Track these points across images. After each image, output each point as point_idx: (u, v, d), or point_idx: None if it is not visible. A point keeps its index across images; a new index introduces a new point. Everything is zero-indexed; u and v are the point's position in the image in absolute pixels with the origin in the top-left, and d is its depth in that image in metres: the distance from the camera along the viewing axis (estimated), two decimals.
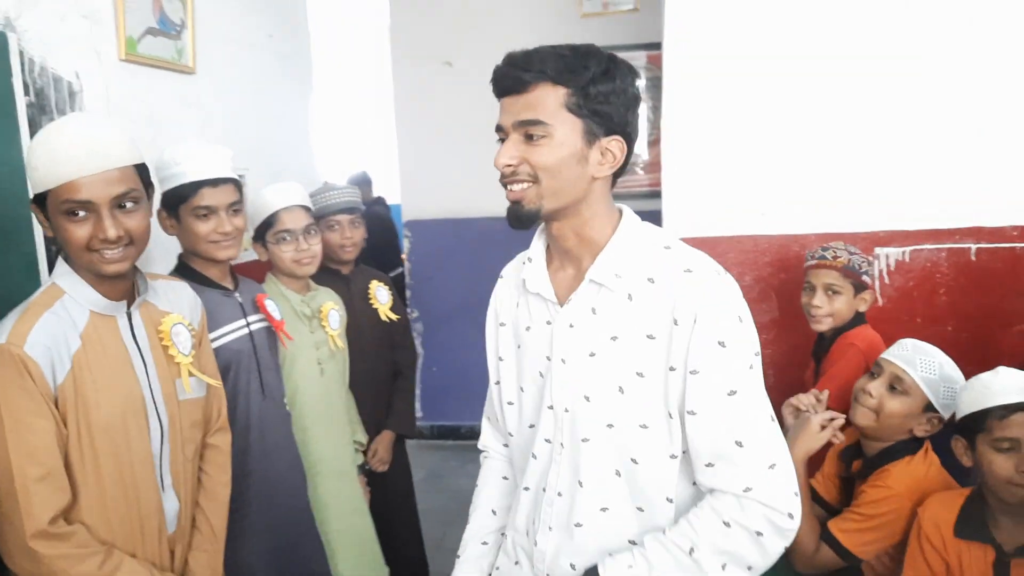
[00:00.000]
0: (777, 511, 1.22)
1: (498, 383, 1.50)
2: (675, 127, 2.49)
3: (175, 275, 1.93)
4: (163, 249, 2.04)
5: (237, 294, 2.03)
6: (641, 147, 4.43)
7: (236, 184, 1.97)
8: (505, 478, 1.55)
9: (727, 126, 2.45)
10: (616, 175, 1.33)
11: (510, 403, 1.46)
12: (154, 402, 1.58)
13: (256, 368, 2.02)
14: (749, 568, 1.25)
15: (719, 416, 1.23)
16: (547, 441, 1.38)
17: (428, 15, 4.56)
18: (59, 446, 1.43)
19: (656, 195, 2.68)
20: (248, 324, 2.02)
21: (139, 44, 2.27)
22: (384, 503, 2.67)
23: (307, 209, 2.33)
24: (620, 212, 1.36)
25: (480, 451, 1.62)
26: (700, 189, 2.50)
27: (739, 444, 1.23)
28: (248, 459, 1.96)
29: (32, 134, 1.80)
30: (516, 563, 1.45)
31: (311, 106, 3.51)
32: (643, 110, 4.05)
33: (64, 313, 1.47)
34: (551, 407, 1.36)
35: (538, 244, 1.42)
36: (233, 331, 1.98)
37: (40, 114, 1.89)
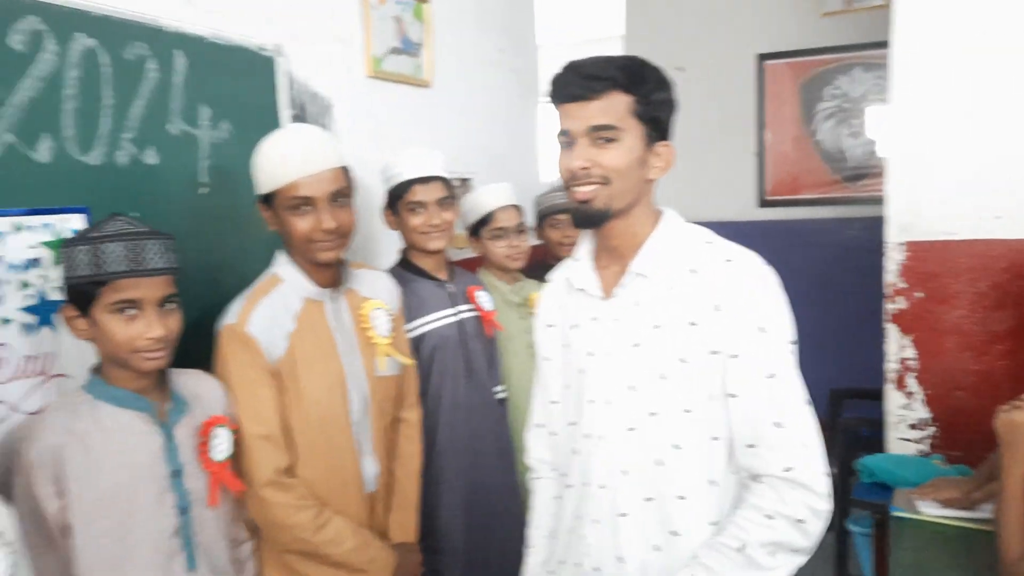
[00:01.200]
0: (814, 493, 1.28)
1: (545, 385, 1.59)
2: (901, 126, 2.41)
3: (398, 268, 2.20)
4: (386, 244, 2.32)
5: (449, 284, 2.26)
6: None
7: (445, 182, 2.20)
8: (558, 498, 1.58)
9: (958, 124, 2.33)
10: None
11: (554, 402, 1.54)
12: (355, 377, 1.81)
13: (462, 353, 2.22)
14: (796, 551, 1.30)
15: (759, 398, 1.30)
16: (586, 436, 1.45)
17: (663, 22, 4.65)
18: (279, 413, 1.68)
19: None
20: (457, 312, 2.24)
21: (383, 62, 2.59)
22: None
23: (519, 209, 2.53)
24: (661, 212, 1.45)
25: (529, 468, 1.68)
26: (927, 191, 2.40)
27: (778, 425, 1.29)
28: (453, 436, 2.16)
29: None
30: (561, 562, 1.51)
31: (538, 115, 3.75)
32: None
33: (281, 299, 1.73)
34: (592, 401, 1.44)
35: (585, 244, 1.51)
36: (442, 318, 2.20)
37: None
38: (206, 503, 1.55)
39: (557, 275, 1.60)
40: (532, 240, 2.61)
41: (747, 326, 1.31)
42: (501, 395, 2.41)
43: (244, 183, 1.99)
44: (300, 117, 2.24)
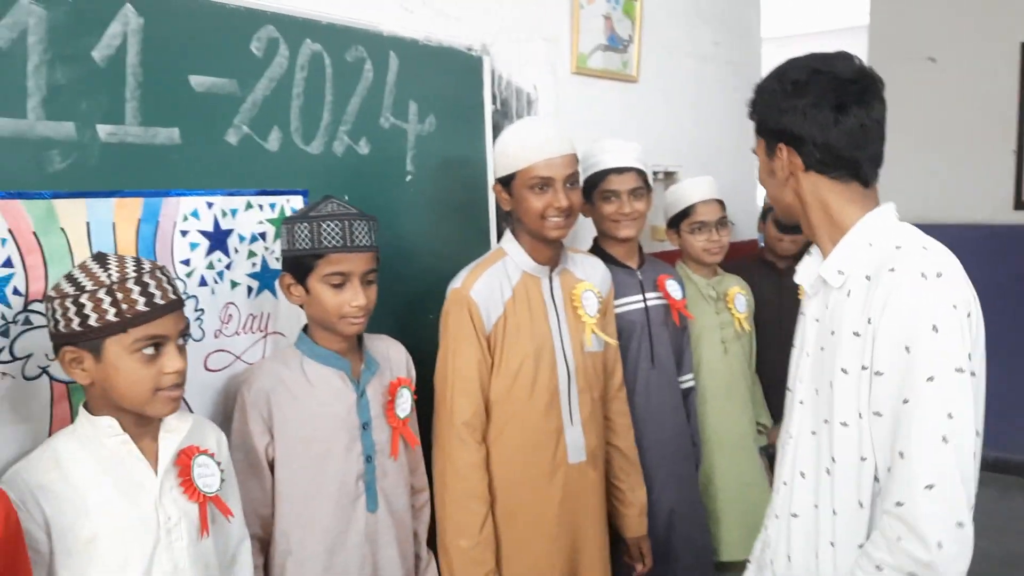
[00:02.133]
0: (921, 539, 1.14)
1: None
2: None
3: (589, 253, 2.30)
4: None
5: (639, 272, 2.31)
6: None
7: (640, 173, 2.26)
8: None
9: None
10: (856, 173, 1.35)
11: (790, 390, 1.51)
12: (563, 350, 1.94)
13: (648, 339, 2.27)
14: None
15: (893, 422, 1.21)
16: (786, 432, 1.45)
17: (912, 8, 4.35)
18: (481, 372, 1.85)
19: None
20: (645, 300, 2.29)
21: (589, 59, 2.69)
22: None
23: (721, 203, 2.52)
24: (868, 211, 1.35)
25: None
26: None
27: (901, 455, 1.19)
28: (632, 416, 2.21)
29: (494, 136, 2.30)
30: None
31: None
32: None
33: (503, 270, 1.91)
34: (795, 398, 1.43)
35: None
36: (630, 303, 2.27)
37: (502, 119, 2.39)
38: (388, 454, 1.73)
39: None
40: (744, 236, 2.59)
41: (893, 343, 1.21)
42: (687, 384, 2.43)
43: (445, 172, 2.19)
44: (503, 112, 2.40)
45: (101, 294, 1.28)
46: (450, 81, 2.22)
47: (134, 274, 1.31)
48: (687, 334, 2.45)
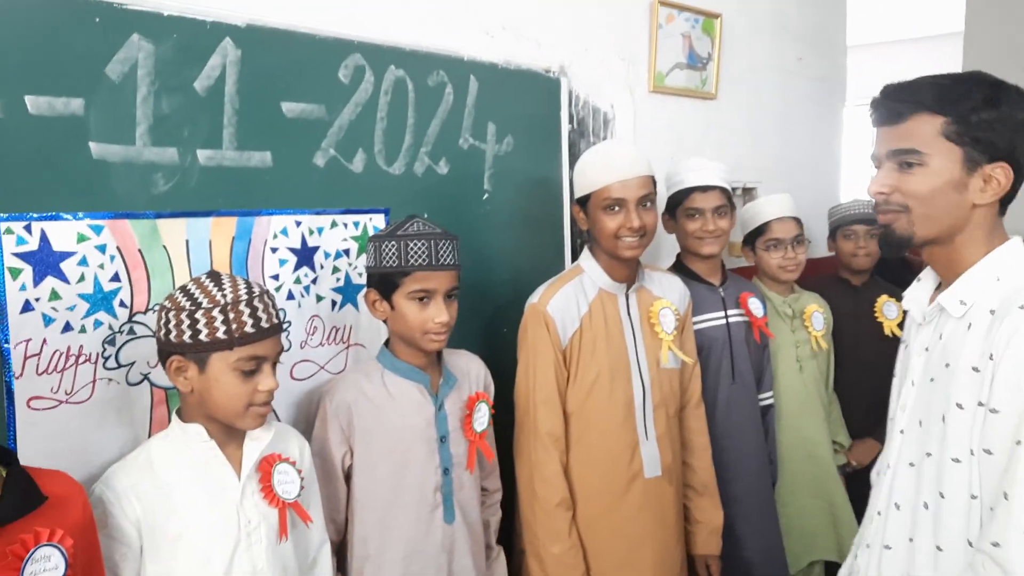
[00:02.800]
0: None
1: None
2: None
3: (672, 270, 2.33)
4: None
5: (721, 289, 2.34)
6: None
7: (724, 191, 2.28)
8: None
9: None
10: (1004, 202, 1.30)
11: (891, 419, 1.49)
12: (638, 365, 1.98)
13: (729, 355, 2.29)
14: None
15: (1003, 462, 1.17)
16: (887, 465, 1.42)
17: (1009, 16, 4.18)
18: (559, 383, 1.91)
19: None
20: (727, 316, 2.31)
21: (667, 77, 2.72)
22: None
23: (798, 221, 2.52)
24: (1006, 240, 1.31)
25: None
26: None
27: (1005, 496, 1.16)
28: (713, 431, 2.23)
29: (571, 155, 2.36)
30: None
31: (842, 122, 3.61)
32: None
33: (580, 287, 1.96)
34: (896, 427, 1.41)
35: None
36: (711, 320, 2.29)
37: (579, 138, 2.44)
38: (465, 466, 1.80)
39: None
40: (825, 252, 2.58)
41: (1012, 383, 1.18)
42: (767, 401, 2.43)
43: (522, 190, 2.25)
44: (580, 131, 2.45)
45: (215, 312, 1.39)
46: (528, 102, 2.28)
47: (245, 297, 1.41)
48: (767, 352, 2.45)
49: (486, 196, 2.19)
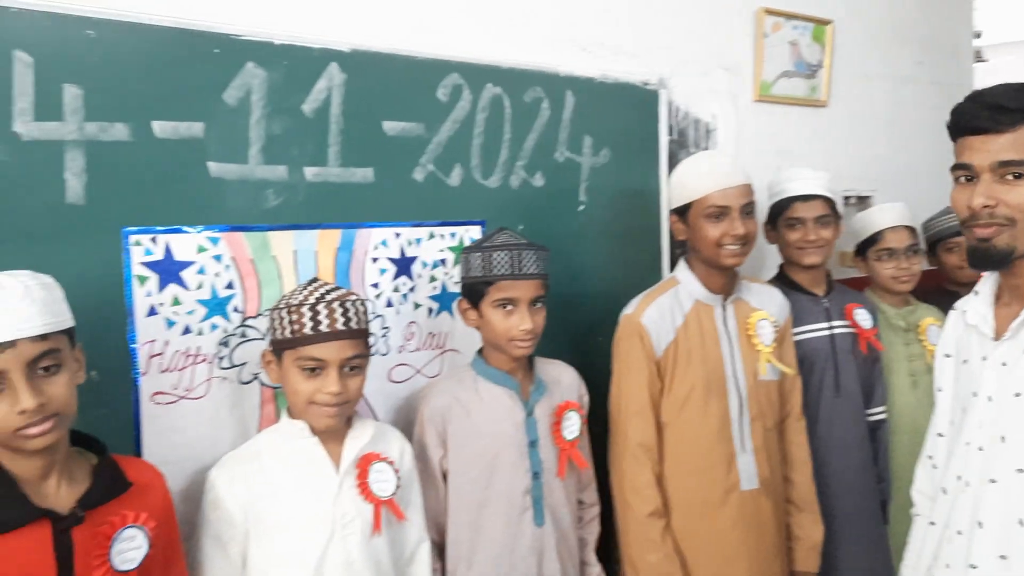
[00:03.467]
0: None
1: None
2: None
3: (774, 281, 2.31)
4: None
5: (825, 300, 2.29)
6: None
7: (827, 200, 2.25)
8: None
9: None
10: None
11: (940, 435, 1.44)
12: (735, 378, 1.97)
13: (833, 368, 2.24)
14: None
15: None
16: (958, 478, 1.36)
17: None
18: (652, 394, 1.92)
19: None
20: (831, 327, 2.26)
21: (773, 86, 2.69)
22: None
23: (912, 230, 2.43)
24: None
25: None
26: None
27: None
28: (811, 445, 2.18)
29: (670, 166, 2.37)
30: None
31: None
32: None
33: (675, 298, 1.98)
34: (967, 443, 1.35)
35: (989, 277, 1.40)
36: (814, 331, 2.25)
37: (679, 149, 2.45)
38: (555, 473, 1.84)
39: (958, 305, 1.54)
40: (924, 264, 2.48)
41: None
42: (878, 417, 2.36)
43: (618, 202, 2.29)
44: (680, 143, 2.46)
45: (283, 312, 1.52)
46: (625, 115, 2.31)
47: (313, 300, 1.51)
48: (879, 365, 2.38)
49: (582, 208, 2.23)
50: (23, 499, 1.22)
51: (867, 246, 2.47)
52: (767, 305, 2.08)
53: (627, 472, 1.91)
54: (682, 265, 2.05)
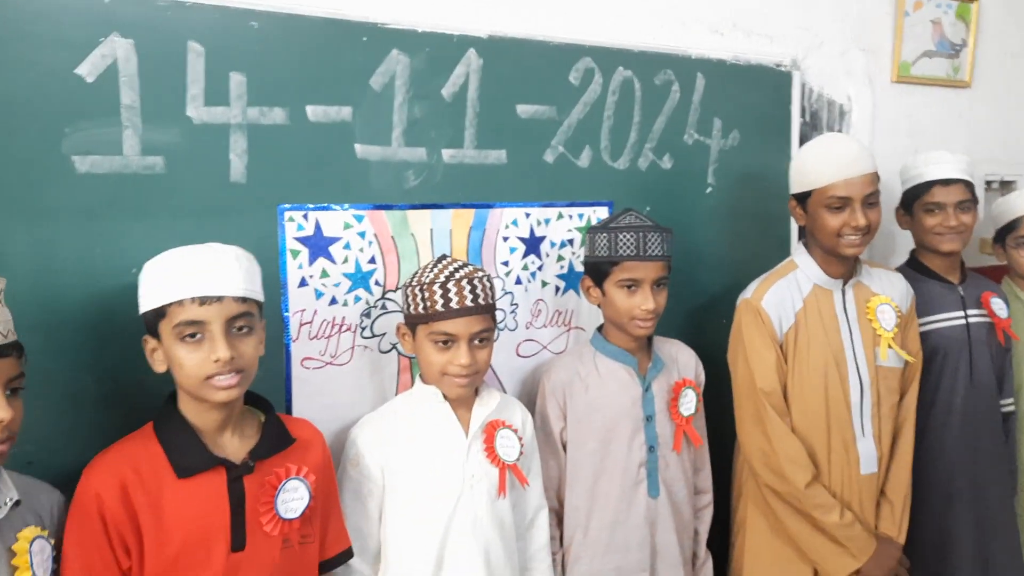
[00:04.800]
0: None
1: None
2: None
3: (906, 267, 2.26)
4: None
5: (960, 288, 2.22)
6: None
7: (967, 185, 2.18)
8: None
9: None
10: None
11: None
12: (855, 362, 1.96)
13: (968, 357, 2.18)
14: None
15: None
16: None
17: None
18: (779, 374, 1.93)
19: None
20: (966, 316, 2.20)
21: (913, 67, 2.60)
22: None
23: None
24: None
25: None
26: None
27: None
28: (946, 436, 2.15)
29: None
30: None
31: None
32: None
33: (794, 282, 1.98)
34: None
35: None
36: (948, 319, 2.19)
37: (811, 131, 2.42)
38: (671, 447, 1.89)
39: None
40: None
41: None
42: (1008, 408, 2.28)
43: (747, 184, 2.29)
44: (812, 125, 2.42)
45: (416, 290, 1.62)
46: (756, 97, 2.30)
47: (443, 279, 1.60)
48: (1010, 356, 2.30)
49: (709, 190, 2.25)
50: (203, 448, 1.38)
51: (1006, 233, 2.38)
52: (889, 290, 2.04)
53: (777, 446, 1.88)
54: (800, 249, 2.04)
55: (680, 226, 2.08)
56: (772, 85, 2.34)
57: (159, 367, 1.39)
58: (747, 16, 2.30)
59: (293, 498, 1.42)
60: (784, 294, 1.96)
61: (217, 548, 1.36)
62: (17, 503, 1.23)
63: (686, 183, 2.21)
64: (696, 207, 2.23)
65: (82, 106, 1.48)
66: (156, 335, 1.36)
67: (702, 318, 2.22)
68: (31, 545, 1.23)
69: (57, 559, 1.29)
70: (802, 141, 2.37)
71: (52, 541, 1.29)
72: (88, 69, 1.48)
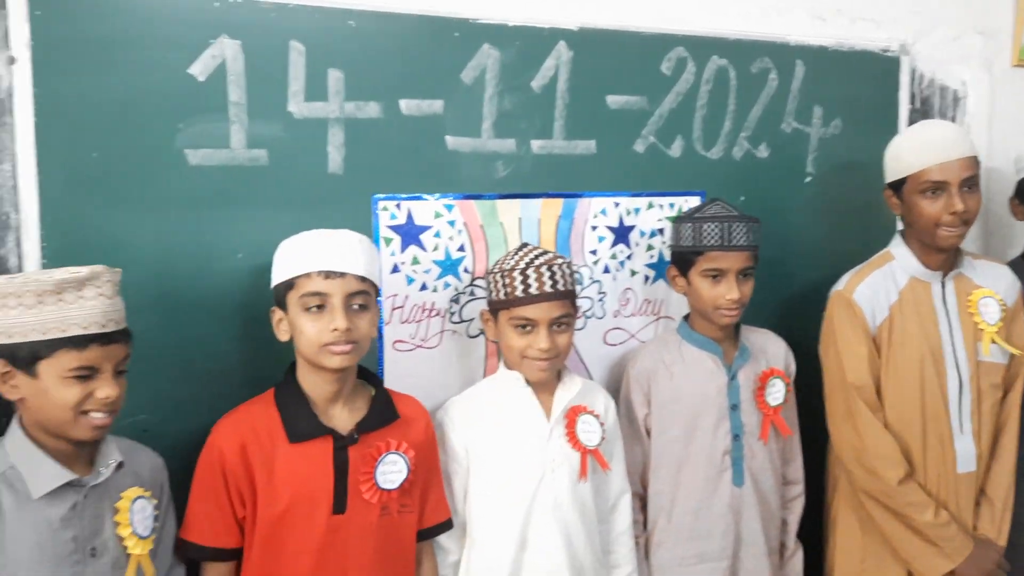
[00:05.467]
0: None
1: None
2: None
3: (1019, 260, 2.15)
4: None
5: None
6: None
7: None
8: None
9: None
10: None
11: None
12: (954, 357, 1.89)
13: None
14: None
15: None
16: None
17: None
18: (871, 369, 1.88)
19: None
20: None
21: None
22: None
23: None
24: None
25: None
26: None
27: None
28: None
29: None
30: None
31: None
32: None
33: (889, 274, 1.93)
34: None
35: None
36: None
37: (922, 118, 2.30)
38: (757, 436, 1.87)
39: None
40: None
41: None
42: None
43: (849, 173, 2.23)
44: (923, 112, 2.33)
45: (497, 276, 1.68)
46: (860, 83, 2.23)
47: (523, 265, 1.65)
48: None
49: (808, 179, 2.20)
50: (315, 418, 1.52)
51: None
52: (993, 283, 1.95)
53: (868, 442, 1.84)
54: (897, 239, 1.98)
55: (776, 216, 2.06)
56: (878, 71, 2.27)
57: (283, 336, 1.53)
58: (852, 1, 2.23)
59: (392, 470, 1.52)
60: (878, 286, 1.91)
61: (320, 509, 1.49)
62: (120, 465, 1.37)
63: (783, 172, 2.18)
64: (794, 197, 2.19)
65: (194, 103, 1.61)
66: (283, 306, 1.51)
67: (797, 310, 2.18)
68: (132, 504, 1.36)
69: (157, 518, 1.43)
70: None
71: (154, 502, 1.42)
72: (200, 69, 1.61)
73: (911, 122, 2.30)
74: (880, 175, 2.20)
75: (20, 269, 1.52)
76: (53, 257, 1.51)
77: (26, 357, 1.26)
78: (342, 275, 1.46)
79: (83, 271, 1.29)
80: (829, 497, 2.05)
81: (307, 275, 1.46)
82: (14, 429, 1.33)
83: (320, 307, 1.46)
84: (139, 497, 1.38)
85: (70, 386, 1.26)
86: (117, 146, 1.56)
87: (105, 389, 1.28)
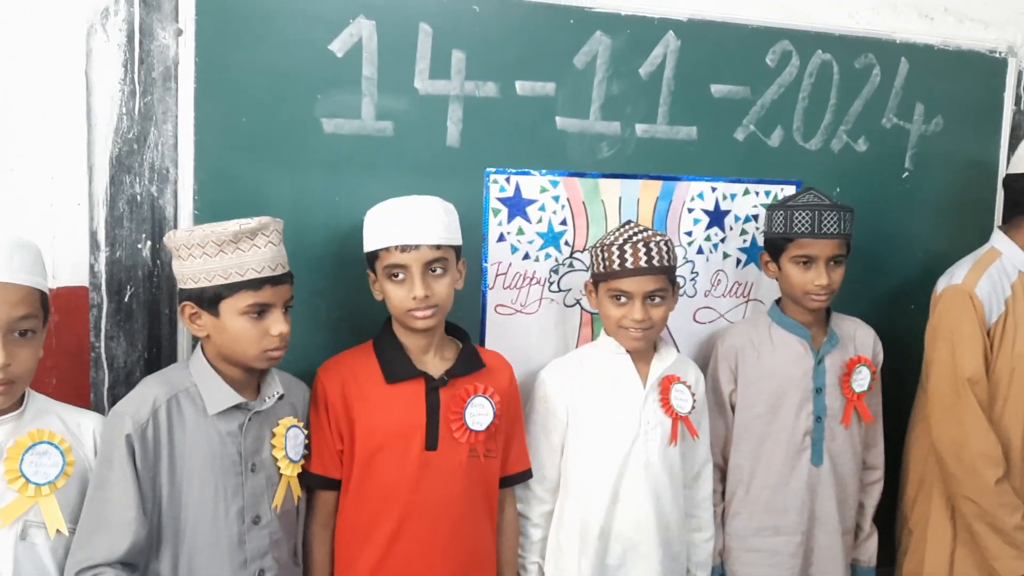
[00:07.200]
0: None
1: None
2: None
3: None
4: None
5: None
6: None
7: None
8: None
9: None
10: None
11: None
12: None
13: None
14: None
15: None
16: None
17: None
18: (985, 364, 1.89)
19: None
20: None
21: None
22: None
23: None
24: None
25: None
26: None
27: None
28: None
29: (1012, 137, 2.29)
30: None
31: None
32: None
33: (1002, 269, 1.97)
34: None
35: None
36: None
37: None
38: (839, 420, 1.94)
39: None
40: None
41: None
42: None
43: (948, 171, 2.27)
44: None
45: (599, 250, 1.79)
46: (964, 83, 2.25)
47: (622, 241, 1.76)
48: None
49: (906, 175, 2.24)
50: (409, 362, 1.67)
51: None
52: None
53: (972, 438, 1.86)
54: (999, 235, 2.02)
55: (872, 209, 2.12)
56: (983, 71, 2.28)
57: (378, 296, 1.69)
58: (961, 2, 2.25)
59: (480, 412, 1.66)
60: (996, 282, 1.95)
61: (414, 444, 1.63)
62: (281, 397, 1.57)
63: (881, 167, 2.22)
64: (890, 191, 2.23)
65: (332, 77, 1.78)
66: (375, 271, 1.66)
67: (890, 302, 2.23)
68: (287, 431, 1.56)
69: (307, 445, 1.63)
70: (1015, 129, 2.31)
71: (306, 431, 1.62)
72: (339, 45, 1.78)
73: (1015, 123, 2.31)
74: (982, 174, 2.25)
75: (176, 218, 1.71)
76: (204, 208, 1.71)
77: (211, 298, 1.46)
78: (416, 247, 1.59)
79: (253, 222, 1.47)
80: (910, 494, 2.08)
81: (386, 248, 1.60)
82: (198, 355, 1.54)
83: (400, 275, 1.61)
84: (293, 426, 1.58)
85: (248, 322, 1.46)
86: (263, 112, 1.74)
87: (278, 326, 1.48)
